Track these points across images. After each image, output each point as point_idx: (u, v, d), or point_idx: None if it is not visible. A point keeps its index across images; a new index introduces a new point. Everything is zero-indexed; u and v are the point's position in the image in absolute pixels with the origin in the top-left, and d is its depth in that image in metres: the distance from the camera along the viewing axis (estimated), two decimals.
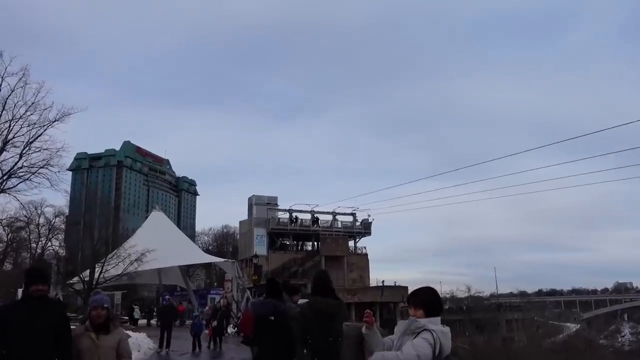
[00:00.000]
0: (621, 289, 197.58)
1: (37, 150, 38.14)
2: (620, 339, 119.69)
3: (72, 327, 8.34)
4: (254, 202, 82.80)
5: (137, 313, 54.18)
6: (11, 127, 37.85)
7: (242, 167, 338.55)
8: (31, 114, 37.31)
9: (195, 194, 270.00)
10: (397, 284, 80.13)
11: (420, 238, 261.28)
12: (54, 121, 37.95)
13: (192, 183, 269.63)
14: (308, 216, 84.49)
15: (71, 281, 52.44)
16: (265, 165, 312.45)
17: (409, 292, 6.28)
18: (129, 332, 22.84)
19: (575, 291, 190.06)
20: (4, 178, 37.87)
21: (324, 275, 10.43)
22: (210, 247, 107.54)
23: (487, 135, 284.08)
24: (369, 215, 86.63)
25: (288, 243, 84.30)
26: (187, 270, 72.96)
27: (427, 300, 6.15)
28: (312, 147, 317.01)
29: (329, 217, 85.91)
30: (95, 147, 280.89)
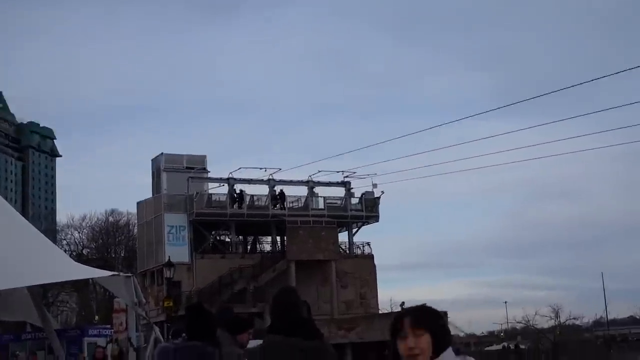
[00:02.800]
0: None
1: None
2: None
3: None
4: (164, 167, 62.42)
5: None
6: None
7: (141, 102, 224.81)
8: None
9: (54, 154, 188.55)
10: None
11: (471, 226, 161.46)
12: None
13: (48, 135, 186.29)
14: (264, 189, 62.92)
15: None
16: (183, 98, 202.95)
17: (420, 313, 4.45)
18: None
19: None
20: None
21: (290, 297, 7.52)
22: (85, 251, 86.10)
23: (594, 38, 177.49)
24: (374, 185, 61.94)
25: (228, 240, 64.82)
26: (44, 296, 64.14)
27: (434, 320, 4.39)
28: (273, 61, 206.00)
29: (303, 190, 64.55)
30: None
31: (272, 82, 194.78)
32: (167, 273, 45.62)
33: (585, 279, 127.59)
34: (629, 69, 28.03)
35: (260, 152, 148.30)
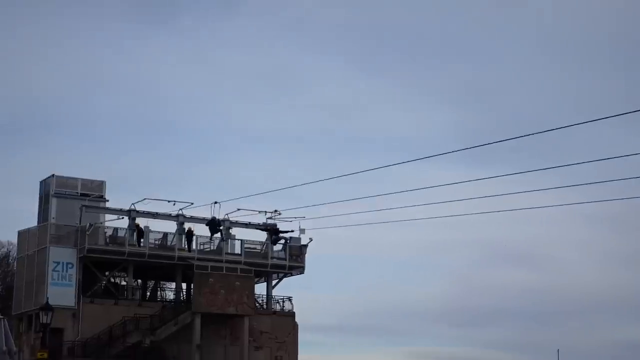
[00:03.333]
0: None
1: None
2: None
3: None
4: (54, 191, 56.46)
5: None
6: None
7: (30, 114, 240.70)
8: None
9: None
10: None
11: (414, 286, 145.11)
12: None
13: None
14: (172, 226, 56.48)
15: None
16: (84, 112, 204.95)
17: None
18: None
19: None
20: None
21: None
22: None
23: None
24: (301, 230, 56.41)
25: (124, 283, 57.43)
26: None
27: None
28: (200, 81, 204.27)
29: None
30: None
31: (195, 105, 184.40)
32: (44, 318, 40.21)
33: (539, 356, 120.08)
34: (614, 115, 22.90)
35: (170, 183, 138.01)
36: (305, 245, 56.19)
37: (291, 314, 56.66)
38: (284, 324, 56.34)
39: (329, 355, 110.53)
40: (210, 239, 55.81)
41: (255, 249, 56.36)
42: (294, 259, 56.52)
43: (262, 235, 57.18)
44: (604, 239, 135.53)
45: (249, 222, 56.15)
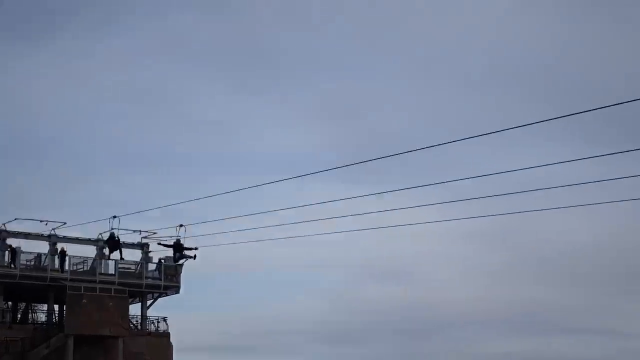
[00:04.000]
0: None
1: None
2: None
3: None
4: None
5: None
6: None
7: None
8: None
9: None
10: None
11: (292, 304, 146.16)
12: None
13: None
14: (43, 246, 53.41)
15: None
16: None
17: None
18: None
19: None
20: None
21: None
22: None
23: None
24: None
25: None
26: None
27: None
28: (80, 98, 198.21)
29: (91, 251, 55.13)
30: None
31: (70, 124, 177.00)
32: None
33: None
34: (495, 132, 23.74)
35: (43, 202, 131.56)
36: (181, 265, 54.20)
37: (166, 335, 54.65)
38: (159, 345, 54.14)
39: None
40: (109, 258, 53.27)
41: (129, 268, 54.31)
42: (169, 278, 54.71)
43: (136, 255, 55.20)
44: (475, 255, 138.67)
45: (123, 242, 52.89)
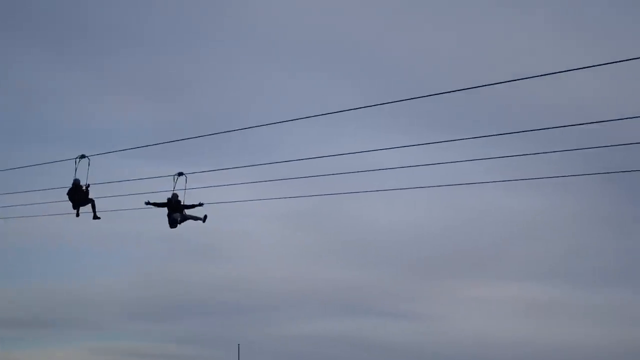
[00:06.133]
0: None
1: None
2: None
3: None
4: None
5: None
6: None
7: None
8: None
9: None
10: None
11: (107, 278, 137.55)
12: None
13: None
14: None
15: None
16: None
17: None
18: None
19: None
20: None
21: None
22: None
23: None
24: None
25: None
26: None
27: None
28: None
29: None
30: None
31: None
32: None
33: (220, 351, 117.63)
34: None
35: None
36: None
37: None
38: None
39: (5, 351, 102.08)
40: None
41: None
42: None
43: None
44: (294, 235, 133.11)
45: None
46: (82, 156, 26.77)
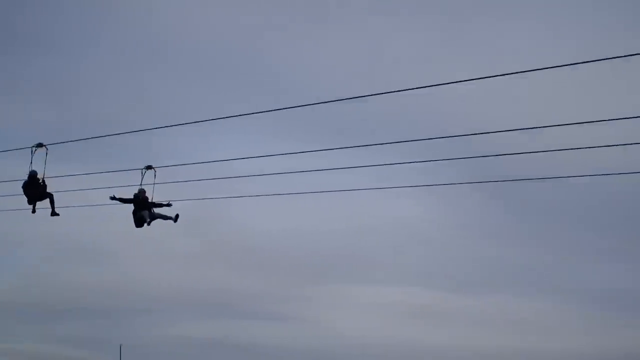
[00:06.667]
0: None
1: None
2: None
3: None
4: None
5: None
6: None
7: None
8: None
9: None
10: None
11: None
12: None
13: None
14: None
15: None
16: None
17: None
18: None
19: None
20: None
21: None
22: None
23: None
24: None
25: None
26: None
27: None
28: None
29: None
30: None
31: None
32: None
33: (102, 352, 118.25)
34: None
35: None
36: None
37: None
38: None
39: None
40: None
41: None
42: None
43: None
44: (175, 238, 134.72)
45: None
46: (40, 145, 23.82)
